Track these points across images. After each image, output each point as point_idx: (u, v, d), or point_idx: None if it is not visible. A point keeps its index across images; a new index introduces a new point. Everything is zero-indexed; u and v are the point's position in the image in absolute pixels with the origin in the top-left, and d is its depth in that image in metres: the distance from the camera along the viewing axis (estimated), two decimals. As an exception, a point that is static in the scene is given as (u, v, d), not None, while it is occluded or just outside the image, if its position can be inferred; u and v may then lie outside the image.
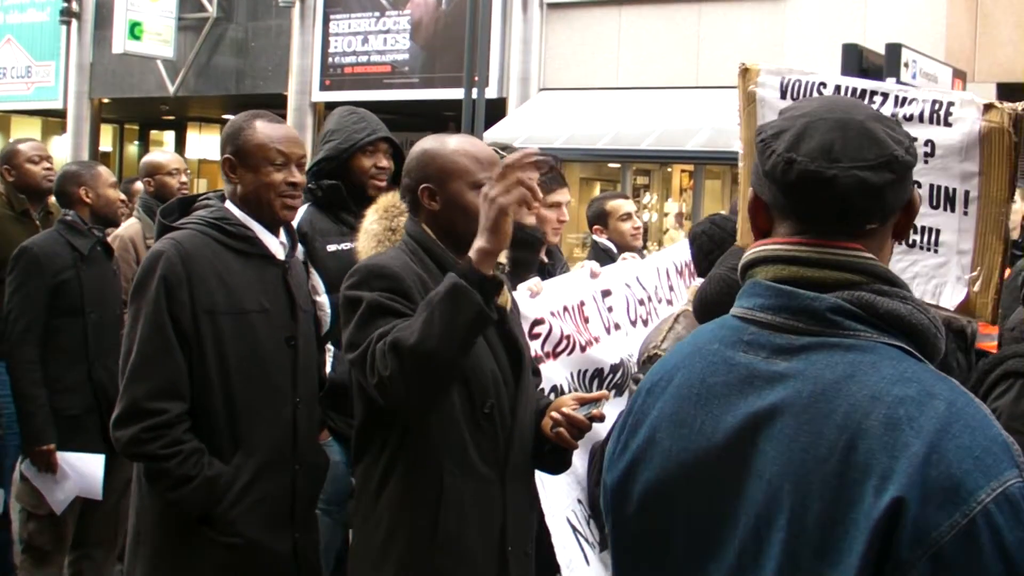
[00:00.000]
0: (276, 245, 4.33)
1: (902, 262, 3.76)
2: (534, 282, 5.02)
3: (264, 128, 4.24)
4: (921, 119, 3.74)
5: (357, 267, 3.73)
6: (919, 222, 3.71)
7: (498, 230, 3.32)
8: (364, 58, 23.14)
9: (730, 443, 2.06)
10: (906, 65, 15.05)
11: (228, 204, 4.29)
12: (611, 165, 21.24)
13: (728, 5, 19.47)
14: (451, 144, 3.79)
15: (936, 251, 3.80)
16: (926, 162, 3.72)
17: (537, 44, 21.32)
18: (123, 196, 7.11)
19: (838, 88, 3.96)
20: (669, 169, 22.15)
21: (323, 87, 23.57)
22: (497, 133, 19.18)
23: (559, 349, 5.04)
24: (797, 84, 3.95)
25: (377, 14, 22.93)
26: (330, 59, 23.56)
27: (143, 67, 26.26)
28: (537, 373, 4.38)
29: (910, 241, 3.79)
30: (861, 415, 1.91)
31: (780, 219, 2.15)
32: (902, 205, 2.11)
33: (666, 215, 22.13)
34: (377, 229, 4.70)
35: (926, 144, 3.71)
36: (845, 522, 1.87)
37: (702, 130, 17.84)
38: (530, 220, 5.00)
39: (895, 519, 1.82)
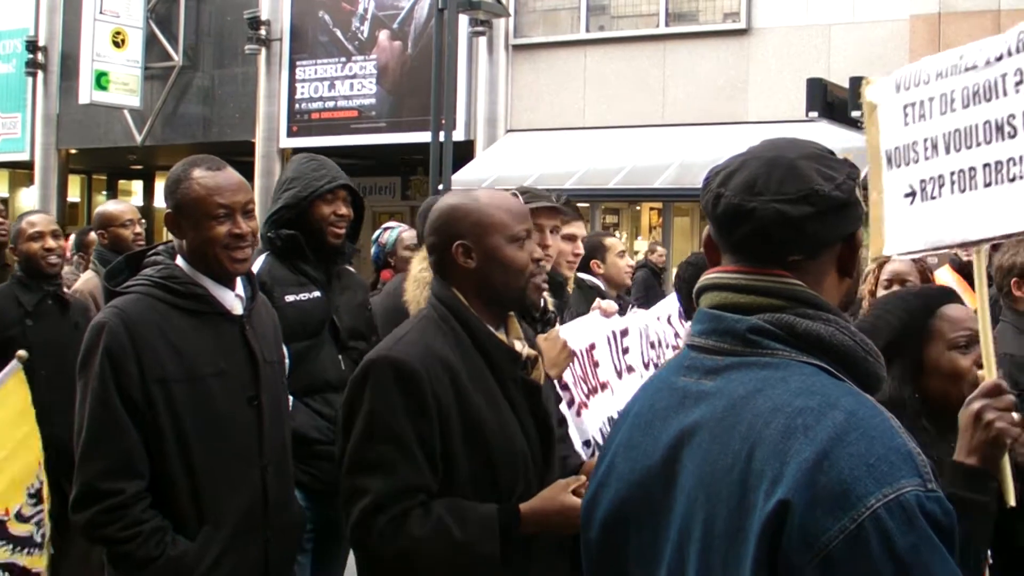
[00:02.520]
0: (232, 300, 4.11)
1: None
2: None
3: (202, 179, 3.99)
4: None
5: (376, 357, 3.46)
6: None
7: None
8: (331, 103, 23.15)
9: (664, 461, 2.16)
10: (870, 98, 15.10)
11: (179, 260, 4.07)
12: (580, 204, 21.25)
13: (692, 43, 19.56)
14: (483, 198, 3.60)
15: None
16: None
17: (503, 86, 21.38)
18: (52, 245, 6.87)
19: (943, 60, 3.92)
20: (638, 207, 22.20)
21: (290, 133, 23.56)
22: (465, 175, 19.20)
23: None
24: (908, 74, 3.91)
25: (343, 59, 22.96)
26: (297, 105, 23.56)
27: (110, 117, 26.22)
28: (562, 440, 4.17)
29: None
30: (762, 425, 1.98)
31: (723, 251, 2.25)
32: (839, 239, 2.18)
33: (636, 253, 22.18)
34: (428, 277, 4.63)
35: None
36: (744, 529, 1.93)
37: (670, 167, 17.89)
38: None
39: (780, 522, 1.87)
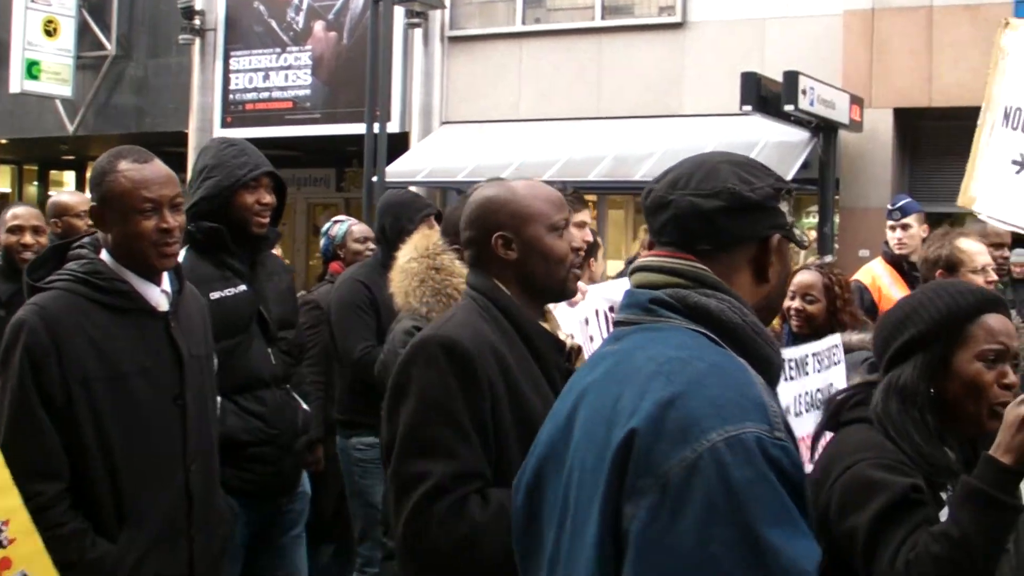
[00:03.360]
0: (157, 296, 4.04)
1: None
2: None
3: (128, 171, 3.90)
4: None
5: (425, 337, 3.41)
6: None
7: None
8: (265, 94, 22.94)
9: (567, 420, 2.34)
10: (804, 92, 15.20)
11: (104, 254, 3.99)
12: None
13: (628, 36, 19.56)
14: (519, 188, 3.57)
15: None
16: None
17: (439, 77, 21.28)
18: (29, 240, 6.84)
19: None
20: (573, 200, 22.14)
21: (224, 124, 23.32)
22: (400, 167, 19.12)
23: None
24: None
25: (278, 50, 22.78)
26: (231, 96, 23.34)
27: (41, 107, 25.84)
28: None
29: None
30: (634, 372, 2.17)
31: (651, 238, 2.47)
32: (751, 239, 2.38)
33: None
34: (418, 268, 4.56)
35: None
36: (603, 460, 2.09)
37: (604, 160, 17.87)
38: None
39: (628, 449, 2.03)
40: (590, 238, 5.82)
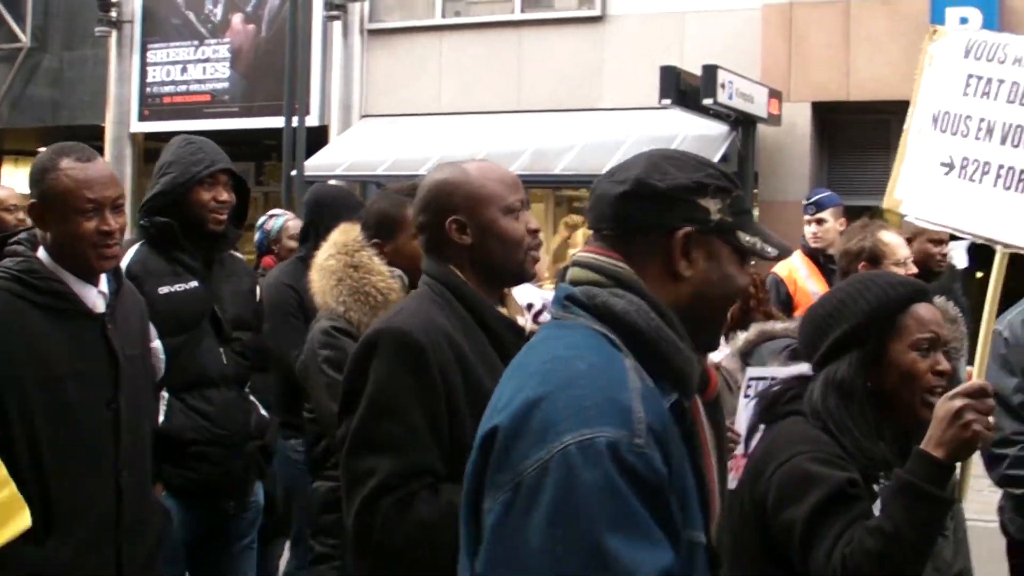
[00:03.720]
0: (94, 297, 3.95)
1: None
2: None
3: (71, 170, 3.81)
4: None
5: (376, 330, 3.33)
6: None
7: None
8: (183, 87, 22.70)
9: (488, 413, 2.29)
10: (722, 86, 15.29)
11: (40, 252, 3.89)
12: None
13: (548, 29, 19.57)
14: (473, 171, 3.45)
15: None
16: None
17: (358, 71, 21.17)
18: None
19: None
20: (494, 193, 22.14)
21: (142, 117, 23.07)
22: (319, 161, 19.02)
23: None
24: (983, 45, 3.85)
25: (196, 43, 22.55)
26: (148, 89, 23.06)
27: (-47, 99, 25.50)
28: None
29: None
30: (524, 367, 2.22)
31: None
32: (655, 229, 2.31)
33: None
34: (336, 265, 4.45)
35: None
36: (476, 451, 2.16)
37: (524, 153, 17.86)
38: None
39: (491, 443, 2.08)
40: (540, 241, 5.75)
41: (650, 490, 1.99)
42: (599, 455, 1.96)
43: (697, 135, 17.11)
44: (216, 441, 5.08)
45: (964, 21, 16.50)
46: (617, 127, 17.70)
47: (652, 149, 2.45)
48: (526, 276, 3.56)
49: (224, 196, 5.17)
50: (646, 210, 2.31)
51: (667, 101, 15.40)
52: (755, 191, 17.36)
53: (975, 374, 3.32)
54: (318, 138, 20.05)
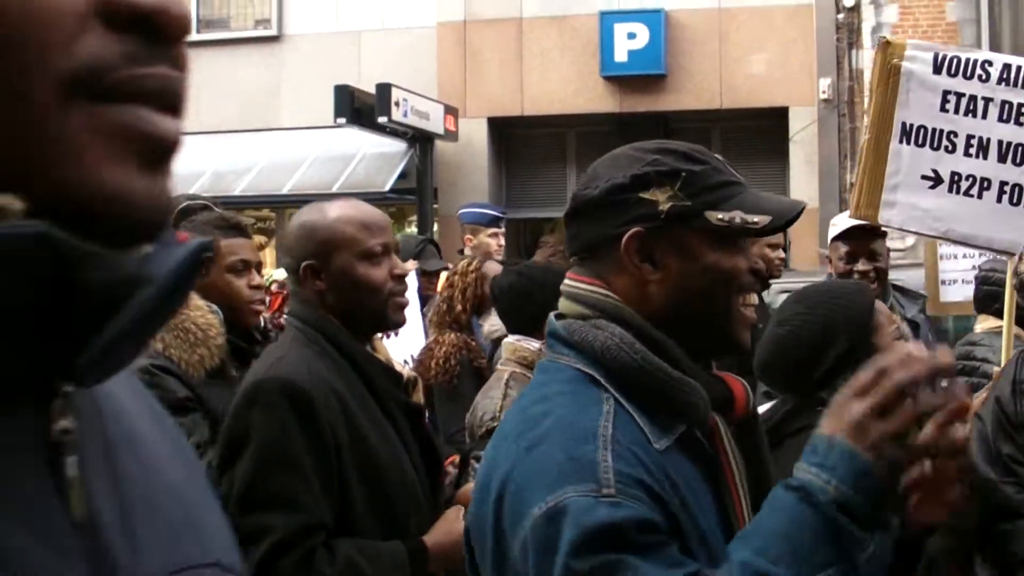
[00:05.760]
0: None
1: None
2: None
3: None
4: None
5: (261, 379, 3.10)
6: None
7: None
8: None
9: None
10: (397, 104, 15.45)
11: None
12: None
13: (225, 49, 19.36)
14: (332, 213, 3.25)
15: None
16: None
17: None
18: None
19: (1007, 67, 3.87)
20: (177, 215, 21.81)
21: None
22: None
23: None
24: (955, 61, 3.80)
25: None
26: None
27: None
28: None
29: None
30: (507, 425, 2.07)
31: None
32: (605, 243, 2.08)
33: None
34: None
35: None
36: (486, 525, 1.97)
37: (204, 175, 17.66)
38: None
39: (499, 525, 1.92)
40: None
41: (631, 539, 1.79)
42: (562, 517, 1.79)
43: (376, 152, 17.27)
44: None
45: (632, 36, 17.16)
46: (296, 146, 17.73)
47: (605, 154, 2.20)
48: (388, 324, 3.42)
49: None
50: (592, 224, 2.11)
51: (342, 120, 15.50)
52: (435, 206, 17.56)
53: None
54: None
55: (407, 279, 3.44)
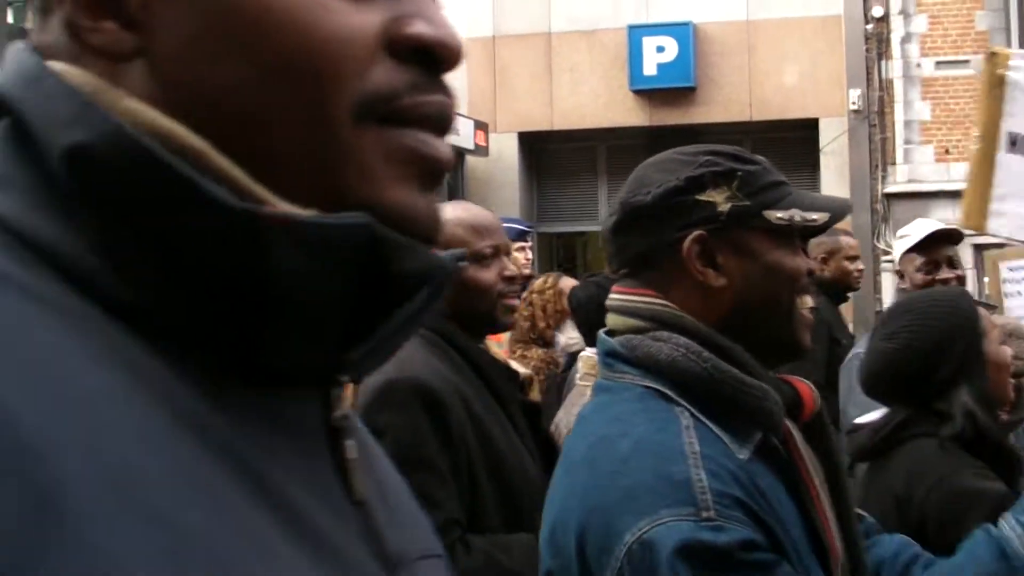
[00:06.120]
0: None
1: None
2: None
3: None
4: None
5: (392, 379, 3.03)
6: None
7: None
8: None
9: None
10: (427, 120, 15.42)
11: None
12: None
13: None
14: (445, 215, 3.12)
15: None
16: None
17: None
18: None
19: None
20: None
21: None
22: None
23: None
24: None
25: None
26: None
27: None
28: None
29: None
30: (573, 452, 1.96)
31: None
32: (662, 252, 2.01)
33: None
34: None
35: None
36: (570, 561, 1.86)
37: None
38: None
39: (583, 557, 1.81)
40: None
41: (740, 558, 1.71)
42: (660, 543, 1.69)
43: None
44: None
45: (661, 50, 17.16)
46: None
47: (646, 160, 2.12)
48: (500, 324, 3.42)
49: None
50: (645, 231, 2.02)
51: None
52: (467, 221, 17.50)
53: None
54: None
55: None
